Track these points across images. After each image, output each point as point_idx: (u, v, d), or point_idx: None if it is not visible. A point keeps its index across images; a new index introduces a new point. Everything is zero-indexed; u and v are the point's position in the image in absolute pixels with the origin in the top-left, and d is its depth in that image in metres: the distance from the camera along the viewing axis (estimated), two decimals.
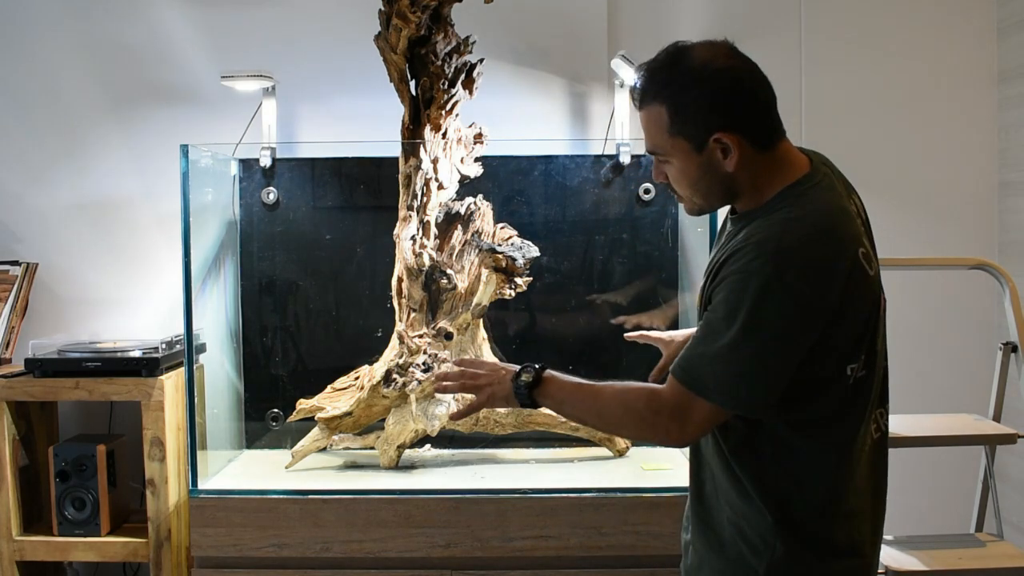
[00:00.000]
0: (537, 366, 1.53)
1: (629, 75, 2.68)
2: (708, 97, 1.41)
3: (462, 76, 2.54)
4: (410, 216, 2.49)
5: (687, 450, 1.64)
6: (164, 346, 2.60)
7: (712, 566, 1.55)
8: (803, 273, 1.35)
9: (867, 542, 1.51)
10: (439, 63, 2.48)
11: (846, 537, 1.47)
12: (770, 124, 1.47)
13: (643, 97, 1.47)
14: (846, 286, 1.37)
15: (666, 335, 1.98)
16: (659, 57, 1.47)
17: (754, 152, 1.44)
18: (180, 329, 2.52)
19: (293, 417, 2.59)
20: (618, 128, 2.84)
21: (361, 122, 2.94)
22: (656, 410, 1.42)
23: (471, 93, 2.57)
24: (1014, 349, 2.45)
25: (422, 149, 2.49)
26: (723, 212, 1.60)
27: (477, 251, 2.54)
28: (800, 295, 1.34)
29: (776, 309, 1.34)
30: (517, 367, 1.55)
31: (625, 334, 2.04)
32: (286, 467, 2.56)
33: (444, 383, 1.63)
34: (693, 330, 1.93)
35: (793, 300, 1.34)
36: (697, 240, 2.76)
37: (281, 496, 2.37)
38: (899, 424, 2.33)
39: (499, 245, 2.52)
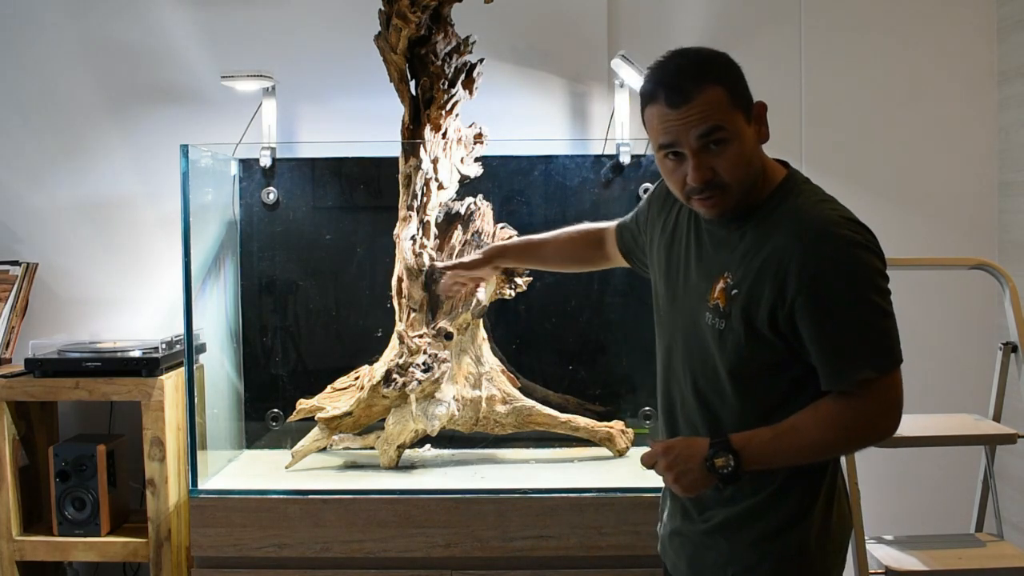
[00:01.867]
0: (722, 442, 1.47)
1: (629, 75, 2.67)
2: (741, 73, 1.51)
3: (462, 76, 2.54)
4: (410, 216, 2.49)
5: None
6: (164, 346, 2.60)
7: (731, 558, 1.57)
8: (870, 233, 1.46)
9: (846, 505, 1.61)
10: (439, 63, 2.48)
11: (839, 504, 1.57)
12: None
13: (699, 82, 1.45)
14: None
15: (473, 255, 2.16)
16: (685, 53, 1.50)
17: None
18: (180, 329, 2.52)
19: (293, 417, 2.59)
20: (618, 128, 2.84)
21: (361, 122, 2.95)
22: (865, 414, 1.44)
23: (471, 93, 2.57)
24: (1014, 349, 2.45)
25: (422, 149, 2.49)
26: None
27: (477, 251, 2.54)
28: (878, 249, 1.46)
29: (874, 265, 1.44)
30: (701, 454, 1.47)
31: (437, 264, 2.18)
32: (286, 467, 2.56)
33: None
34: (493, 245, 2.14)
35: (877, 255, 1.45)
36: None
37: (281, 496, 2.37)
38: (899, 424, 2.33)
39: None
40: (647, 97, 1.50)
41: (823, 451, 1.49)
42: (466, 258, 2.14)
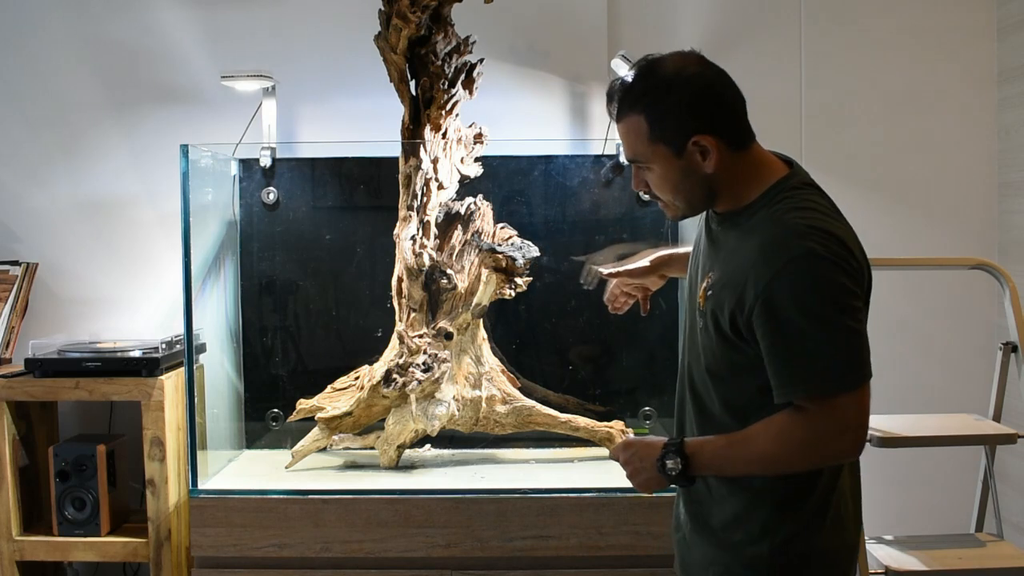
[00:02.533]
0: (674, 445, 1.50)
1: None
2: (684, 102, 1.47)
3: (462, 76, 2.54)
4: (410, 216, 2.49)
5: None
6: (164, 346, 2.60)
7: (714, 559, 1.57)
8: (838, 245, 1.40)
9: (850, 518, 1.55)
10: (439, 63, 2.48)
11: (835, 514, 1.52)
12: (743, 126, 1.52)
13: (620, 109, 1.52)
14: (862, 264, 1.44)
15: (640, 262, 1.99)
16: (628, 79, 1.52)
17: (731, 153, 1.50)
18: (180, 329, 2.52)
19: (293, 417, 2.59)
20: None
21: (361, 122, 2.95)
22: (817, 431, 1.40)
23: (471, 93, 2.57)
24: (1014, 349, 2.45)
25: (422, 149, 2.49)
26: None
27: (477, 251, 2.54)
28: (845, 263, 1.39)
29: (834, 279, 1.38)
30: (655, 455, 1.51)
31: (602, 271, 2.05)
32: (286, 467, 2.56)
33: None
34: (660, 253, 1.97)
35: (842, 268, 1.39)
36: None
37: (281, 496, 2.37)
38: (899, 424, 2.33)
39: (499, 245, 2.52)
40: None
41: (773, 465, 1.45)
42: (631, 265, 2.02)
